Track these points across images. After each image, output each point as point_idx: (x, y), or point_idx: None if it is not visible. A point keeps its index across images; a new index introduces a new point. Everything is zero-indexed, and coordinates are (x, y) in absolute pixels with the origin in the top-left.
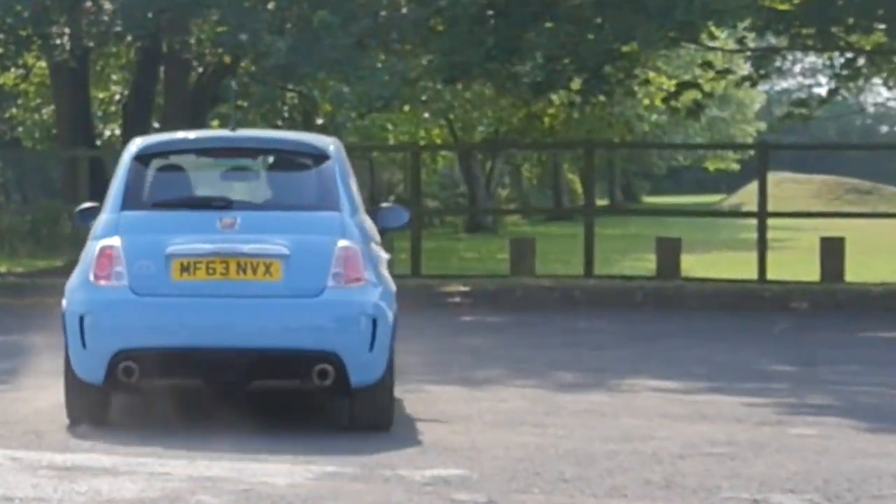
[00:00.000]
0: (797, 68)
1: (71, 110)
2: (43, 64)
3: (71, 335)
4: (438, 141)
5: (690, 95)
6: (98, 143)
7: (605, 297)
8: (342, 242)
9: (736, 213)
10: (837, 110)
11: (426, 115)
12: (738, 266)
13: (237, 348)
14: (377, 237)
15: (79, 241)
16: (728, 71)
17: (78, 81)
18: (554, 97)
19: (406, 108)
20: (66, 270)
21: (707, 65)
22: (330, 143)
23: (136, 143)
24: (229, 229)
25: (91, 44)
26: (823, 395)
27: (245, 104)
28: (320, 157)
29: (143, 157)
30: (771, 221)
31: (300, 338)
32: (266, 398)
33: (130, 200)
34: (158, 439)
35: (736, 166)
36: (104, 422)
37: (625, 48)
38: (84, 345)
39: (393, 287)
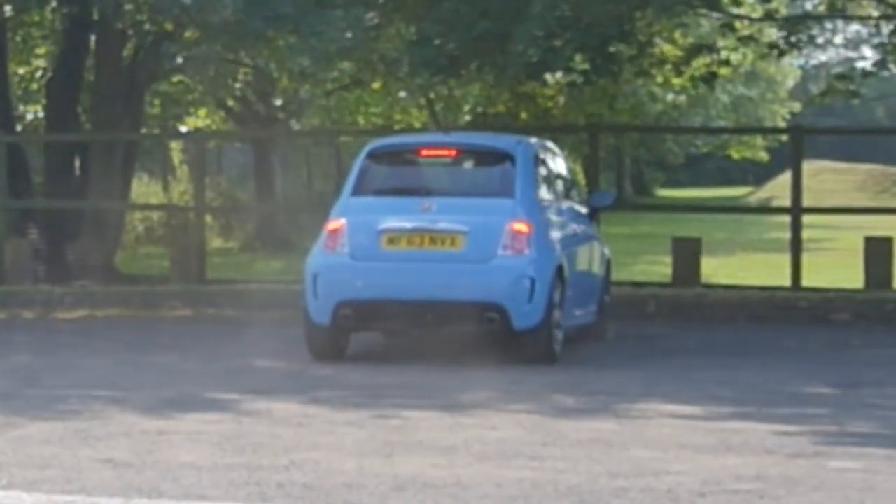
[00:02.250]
0: (838, 39)
1: None
2: None
3: (308, 289)
4: (417, 124)
5: (704, 62)
6: (18, 127)
7: (613, 306)
8: (511, 222)
9: (765, 209)
10: (885, 89)
11: (402, 93)
12: (767, 271)
13: (428, 300)
14: (567, 216)
15: None
16: (752, 38)
17: None
18: (550, 78)
19: (377, 84)
20: None
21: (728, 27)
22: (517, 145)
23: (371, 143)
24: (427, 212)
25: (8, 9)
26: (868, 421)
27: (193, 80)
28: (506, 155)
29: (374, 155)
30: (806, 218)
31: (474, 292)
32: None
33: (359, 189)
34: (89, 474)
35: (765, 154)
36: (334, 358)
37: (636, 20)
38: (316, 296)
39: (559, 257)
